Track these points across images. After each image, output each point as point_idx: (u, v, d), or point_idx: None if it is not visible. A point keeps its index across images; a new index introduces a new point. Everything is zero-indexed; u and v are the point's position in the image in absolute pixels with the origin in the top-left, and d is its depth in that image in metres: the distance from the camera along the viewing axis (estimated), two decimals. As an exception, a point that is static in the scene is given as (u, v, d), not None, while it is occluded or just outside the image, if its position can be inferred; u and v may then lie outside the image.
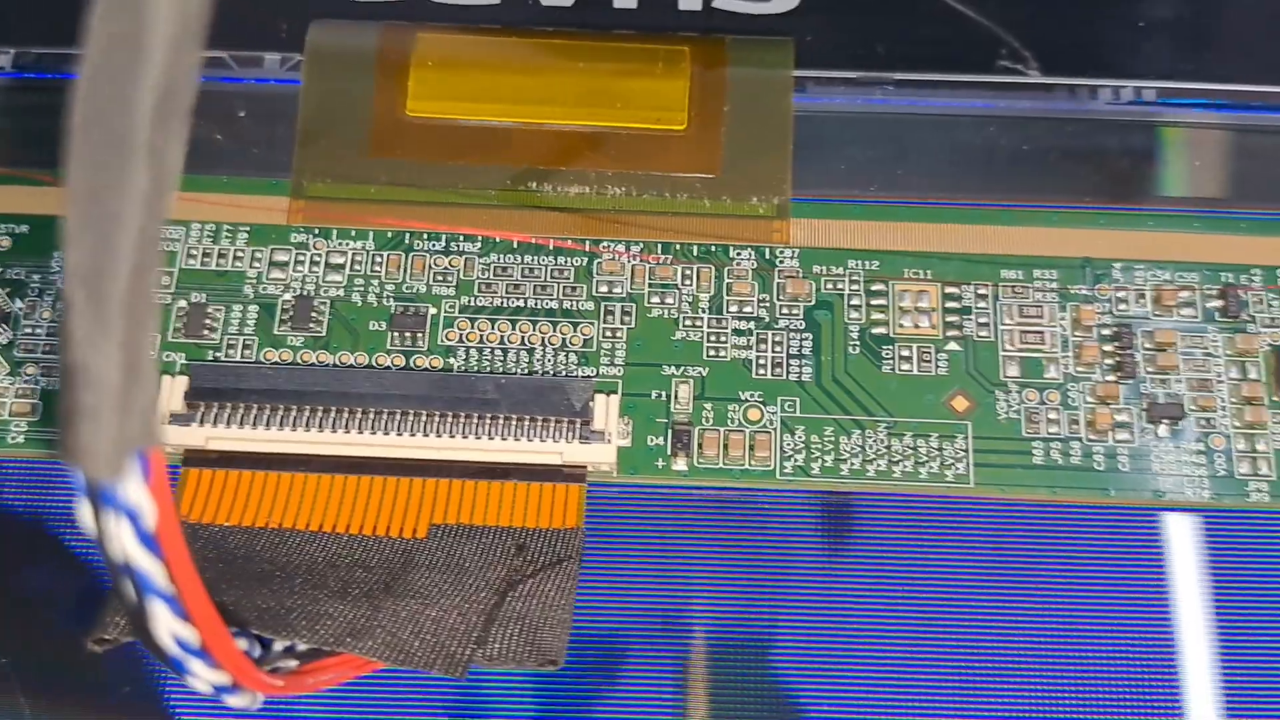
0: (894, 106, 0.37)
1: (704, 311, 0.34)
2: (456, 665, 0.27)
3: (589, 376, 0.33)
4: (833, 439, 0.33)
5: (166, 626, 0.21)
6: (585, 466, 0.32)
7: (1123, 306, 0.34)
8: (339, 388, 0.32)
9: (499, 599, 0.29)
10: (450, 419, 0.32)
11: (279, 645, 0.26)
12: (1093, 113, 0.37)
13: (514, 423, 0.32)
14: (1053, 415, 0.33)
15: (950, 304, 0.34)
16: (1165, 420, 0.33)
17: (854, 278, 0.34)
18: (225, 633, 0.23)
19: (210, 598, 0.22)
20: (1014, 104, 0.37)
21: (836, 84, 0.37)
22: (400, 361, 0.33)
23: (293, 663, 0.26)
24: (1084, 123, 0.37)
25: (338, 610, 0.27)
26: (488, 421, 0.32)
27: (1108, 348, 0.34)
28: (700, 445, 0.32)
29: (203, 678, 0.23)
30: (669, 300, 0.34)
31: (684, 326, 0.34)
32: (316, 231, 0.35)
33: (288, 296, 0.34)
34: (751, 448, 0.32)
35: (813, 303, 0.34)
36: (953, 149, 0.37)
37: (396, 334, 0.34)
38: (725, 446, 0.32)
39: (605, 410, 0.32)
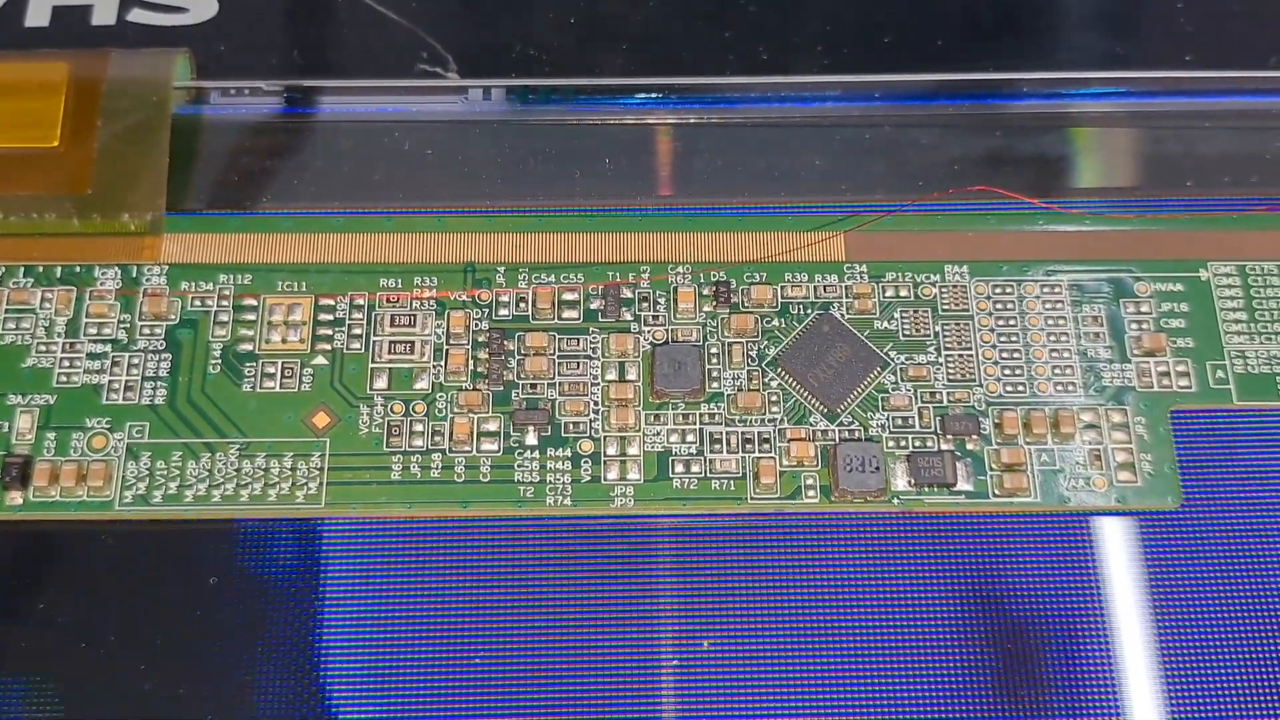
0: (301, 114, 0.36)
1: (59, 336, 0.32)
2: None
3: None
4: (179, 464, 0.31)
5: None
6: (-100, 508, 0.30)
7: (502, 311, 0.33)
8: None
9: None
10: None
11: None
12: (506, 115, 0.36)
13: None
14: (417, 427, 0.31)
15: (323, 316, 0.33)
16: (532, 427, 0.31)
17: (224, 293, 0.33)
18: None
19: None
20: (429, 108, 0.36)
21: (242, 94, 0.36)
22: None
23: None
24: (492, 125, 0.36)
25: None
26: None
27: (480, 355, 0.32)
28: (33, 478, 0.31)
29: None
30: (24, 326, 0.32)
31: (35, 353, 0.32)
32: None
33: None
34: (84, 477, 0.31)
35: (176, 321, 0.32)
36: (355, 155, 0.35)
37: None
38: (58, 477, 0.31)
39: (-77, 447, 0.30)
